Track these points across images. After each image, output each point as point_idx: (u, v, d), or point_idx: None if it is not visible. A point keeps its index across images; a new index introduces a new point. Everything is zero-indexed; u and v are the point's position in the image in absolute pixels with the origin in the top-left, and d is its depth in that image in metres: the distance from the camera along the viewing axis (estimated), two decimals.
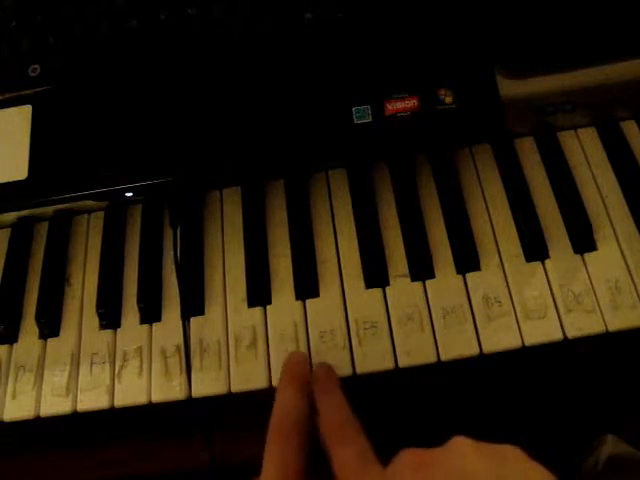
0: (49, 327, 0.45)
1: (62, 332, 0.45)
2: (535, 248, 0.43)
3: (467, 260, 0.43)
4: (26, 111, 0.47)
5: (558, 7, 0.46)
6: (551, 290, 0.41)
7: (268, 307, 0.43)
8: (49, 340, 0.44)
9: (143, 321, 0.44)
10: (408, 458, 0.29)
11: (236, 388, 0.41)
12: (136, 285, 0.45)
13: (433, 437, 0.31)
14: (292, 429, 0.34)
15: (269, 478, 0.32)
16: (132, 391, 0.42)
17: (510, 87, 0.44)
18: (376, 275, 0.43)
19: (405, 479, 0.28)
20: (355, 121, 0.43)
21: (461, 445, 0.28)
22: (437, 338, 0.40)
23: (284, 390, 0.37)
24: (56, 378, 0.43)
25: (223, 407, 0.43)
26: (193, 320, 0.43)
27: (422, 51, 0.45)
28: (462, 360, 0.40)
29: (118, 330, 0.44)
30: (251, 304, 0.43)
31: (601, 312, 0.40)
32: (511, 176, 0.46)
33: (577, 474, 0.42)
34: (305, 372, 0.38)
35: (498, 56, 0.44)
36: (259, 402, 0.38)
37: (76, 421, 0.42)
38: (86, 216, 0.49)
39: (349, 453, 0.32)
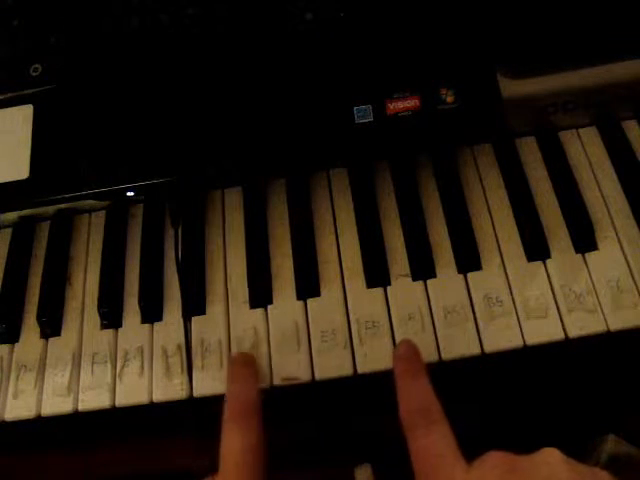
0: (50, 327, 0.45)
1: (63, 332, 0.45)
2: (536, 248, 0.43)
3: (468, 260, 0.43)
4: (27, 111, 0.47)
5: (559, 7, 0.46)
6: (552, 290, 0.41)
7: (269, 307, 0.43)
8: (50, 340, 0.44)
9: (144, 321, 0.44)
10: (498, 460, 0.29)
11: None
12: (137, 285, 0.45)
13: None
14: (245, 411, 0.36)
15: (231, 450, 0.34)
16: (133, 391, 0.42)
17: (511, 87, 0.44)
18: (377, 275, 0.43)
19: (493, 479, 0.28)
20: (356, 121, 0.43)
21: (551, 456, 0.28)
22: (438, 338, 0.40)
23: (232, 383, 0.39)
24: (57, 378, 0.43)
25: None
26: (194, 320, 0.43)
27: (423, 51, 0.45)
28: (463, 360, 0.40)
29: (119, 330, 0.44)
30: (252, 304, 0.43)
31: (602, 312, 0.40)
32: (512, 176, 0.46)
33: None
34: (250, 359, 0.41)
35: (499, 56, 0.44)
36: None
37: (77, 421, 0.42)
38: (87, 216, 0.49)
39: (433, 441, 0.31)
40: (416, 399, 0.33)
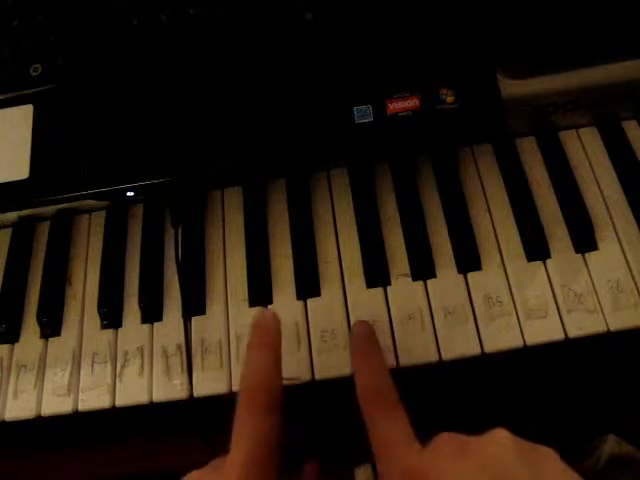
0: (50, 327, 0.45)
1: (63, 332, 0.45)
2: (536, 248, 0.43)
3: (468, 260, 0.43)
4: (27, 111, 0.47)
5: (559, 7, 0.46)
6: (552, 290, 0.41)
7: (269, 307, 0.43)
8: (50, 340, 0.44)
9: (144, 321, 0.44)
10: (448, 443, 0.29)
11: (238, 387, 0.41)
12: (137, 285, 0.45)
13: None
14: (265, 402, 0.32)
15: (239, 457, 0.30)
16: (133, 391, 0.42)
17: (511, 87, 0.44)
18: (377, 274, 0.43)
19: (444, 463, 0.28)
20: (356, 121, 0.43)
21: (501, 437, 0.28)
22: (438, 338, 0.40)
23: (255, 355, 0.34)
24: (57, 378, 0.43)
25: (223, 407, 0.43)
26: (194, 320, 0.43)
27: (424, 51, 0.45)
28: (463, 360, 0.40)
29: (119, 330, 0.44)
30: (252, 303, 0.44)
31: (602, 312, 0.40)
32: (512, 176, 0.46)
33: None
34: (278, 336, 0.35)
35: (499, 56, 0.44)
36: None
37: (77, 421, 0.42)
38: (87, 216, 0.49)
39: (391, 424, 0.31)
40: (372, 379, 0.33)
